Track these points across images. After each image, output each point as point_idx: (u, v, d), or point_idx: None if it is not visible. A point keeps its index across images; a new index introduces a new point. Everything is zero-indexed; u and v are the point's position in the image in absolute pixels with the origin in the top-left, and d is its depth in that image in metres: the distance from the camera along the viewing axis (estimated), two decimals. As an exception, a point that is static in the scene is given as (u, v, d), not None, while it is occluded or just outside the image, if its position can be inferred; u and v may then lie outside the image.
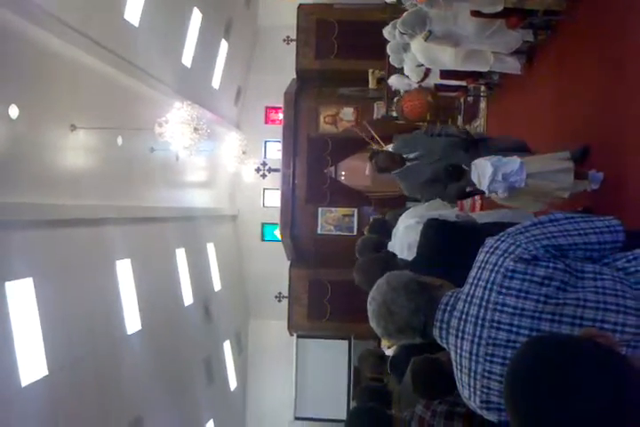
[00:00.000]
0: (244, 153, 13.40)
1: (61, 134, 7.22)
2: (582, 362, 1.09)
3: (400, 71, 8.73)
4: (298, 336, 14.12)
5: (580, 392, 1.07)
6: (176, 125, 8.12)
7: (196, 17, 11.14)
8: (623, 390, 1.05)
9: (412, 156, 4.84)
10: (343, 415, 11.44)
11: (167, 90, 9.81)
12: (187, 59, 11.07)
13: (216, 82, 13.08)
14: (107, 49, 7.75)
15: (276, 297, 14.99)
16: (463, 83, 7.66)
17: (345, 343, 13.89)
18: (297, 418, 14.21)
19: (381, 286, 1.93)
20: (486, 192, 4.52)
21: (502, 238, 1.82)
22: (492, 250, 1.81)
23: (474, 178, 4.62)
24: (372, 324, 1.93)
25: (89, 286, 7.68)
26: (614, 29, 4.80)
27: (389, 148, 5.37)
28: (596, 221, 1.88)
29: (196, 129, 8.12)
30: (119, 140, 8.52)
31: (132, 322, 8.77)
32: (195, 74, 11.47)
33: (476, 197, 7.40)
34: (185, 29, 10.82)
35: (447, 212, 4.79)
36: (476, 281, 1.80)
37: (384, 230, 4.87)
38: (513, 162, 4.44)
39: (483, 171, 4.47)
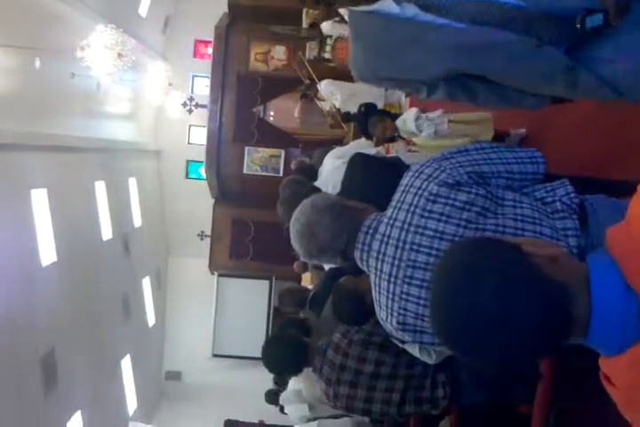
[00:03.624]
0: (170, 85, 12.92)
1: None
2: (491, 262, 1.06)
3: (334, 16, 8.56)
4: (219, 275, 14.15)
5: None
6: (99, 50, 7.71)
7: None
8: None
9: None
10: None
11: (89, 12, 9.24)
12: (113, -19, 10.45)
13: (143, 9, 12.47)
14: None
15: (199, 235, 14.86)
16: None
17: (266, 283, 14.03)
18: (215, 355, 14.40)
19: (306, 207, 1.91)
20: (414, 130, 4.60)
21: (427, 164, 1.84)
22: (416, 174, 1.82)
23: (398, 123, 4.80)
24: (295, 244, 1.92)
25: (1, 215, 7.37)
26: None
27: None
28: (519, 152, 1.94)
29: (119, 55, 7.74)
30: (37, 63, 8.03)
31: (48, 253, 8.51)
32: (121, -2, 10.88)
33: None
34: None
35: (373, 151, 4.82)
36: (399, 204, 1.81)
37: (310, 172, 4.89)
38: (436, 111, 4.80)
39: (408, 115, 4.72)
